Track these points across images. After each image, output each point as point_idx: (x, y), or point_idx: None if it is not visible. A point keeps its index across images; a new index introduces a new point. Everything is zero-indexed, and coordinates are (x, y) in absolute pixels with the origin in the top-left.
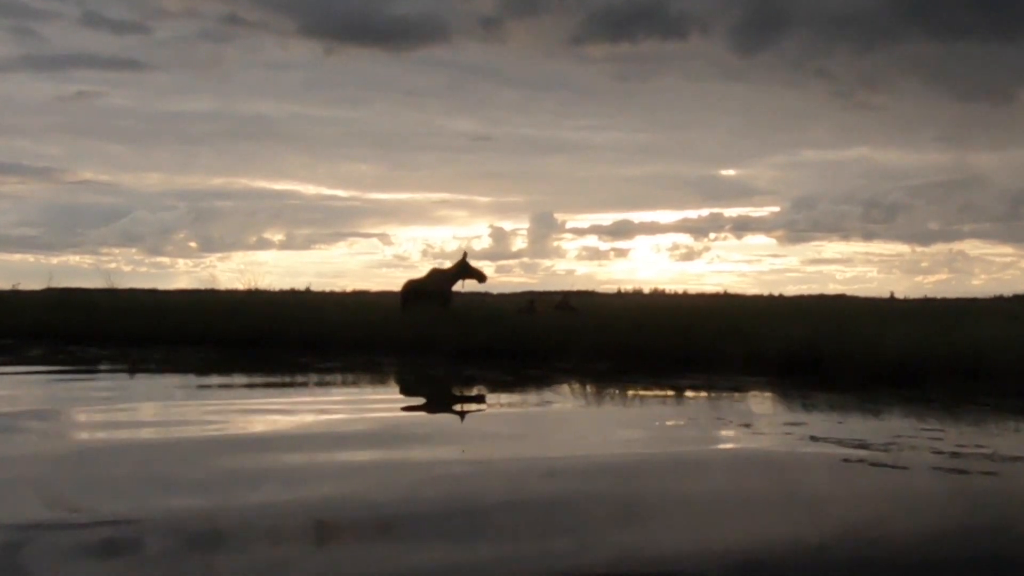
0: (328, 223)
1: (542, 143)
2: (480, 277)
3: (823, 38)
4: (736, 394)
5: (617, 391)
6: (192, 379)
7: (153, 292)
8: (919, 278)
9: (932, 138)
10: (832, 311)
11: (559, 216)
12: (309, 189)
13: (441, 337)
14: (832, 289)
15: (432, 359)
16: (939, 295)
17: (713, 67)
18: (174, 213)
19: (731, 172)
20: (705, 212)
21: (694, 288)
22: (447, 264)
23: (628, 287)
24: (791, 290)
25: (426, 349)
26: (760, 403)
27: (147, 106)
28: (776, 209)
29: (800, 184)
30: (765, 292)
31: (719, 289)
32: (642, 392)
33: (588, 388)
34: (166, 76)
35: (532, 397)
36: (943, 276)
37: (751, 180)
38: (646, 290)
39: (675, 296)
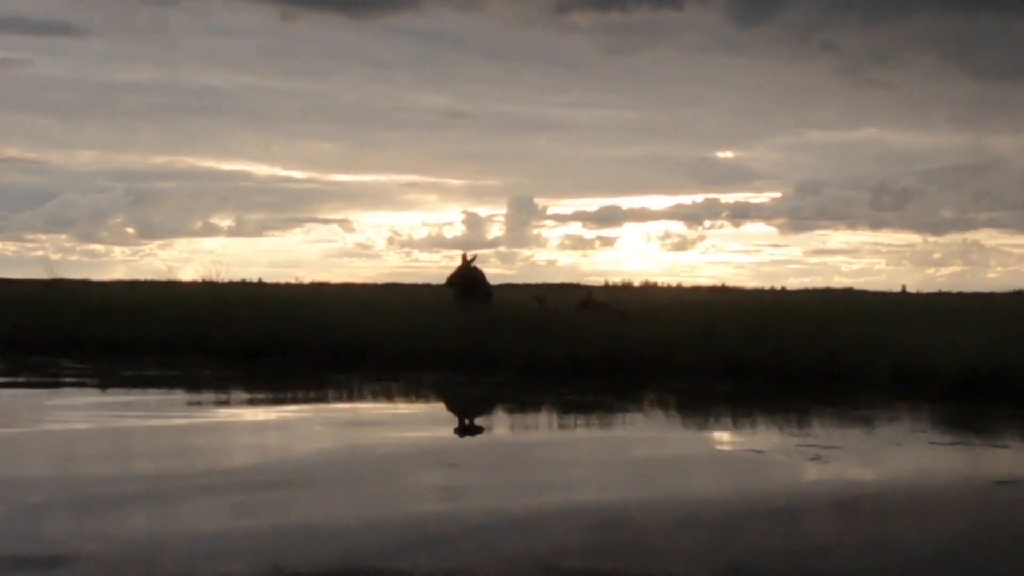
0: (283, 207)
1: (522, 121)
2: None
3: (830, 9)
4: (976, 431)
5: (815, 427)
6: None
7: (87, 283)
8: (931, 270)
9: (947, 119)
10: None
11: (540, 201)
12: (262, 170)
13: (504, 347)
14: (837, 282)
15: (503, 376)
16: (953, 289)
17: (711, 39)
18: (109, 195)
19: (729, 154)
20: (700, 198)
21: (688, 280)
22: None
23: (616, 279)
24: (793, 283)
25: (491, 363)
26: None
27: (80, 76)
28: (777, 195)
29: (804, 168)
30: (765, 285)
31: (715, 282)
32: (854, 427)
33: (770, 425)
34: (102, 42)
35: (732, 440)
36: (956, 268)
37: (750, 163)
38: (636, 283)
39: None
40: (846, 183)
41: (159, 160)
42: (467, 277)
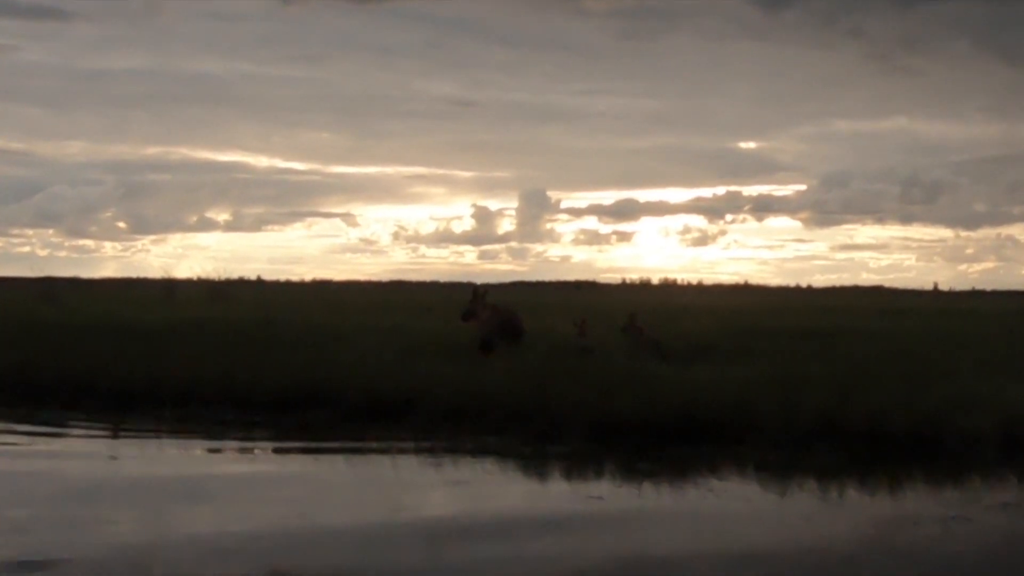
0: (283, 201)
1: (534, 110)
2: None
3: None
4: None
5: (948, 529)
6: None
7: (75, 280)
8: (963, 266)
9: (980, 108)
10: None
11: (553, 194)
12: (261, 161)
13: (567, 405)
14: (865, 279)
15: (568, 444)
16: (987, 286)
17: (732, 24)
18: (100, 188)
19: (751, 145)
20: (721, 190)
21: (708, 277)
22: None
23: (633, 276)
24: (819, 280)
25: (553, 425)
26: None
27: (69, 62)
28: (802, 187)
29: (830, 159)
30: (790, 282)
31: (737, 279)
32: (991, 523)
33: (899, 522)
34: (92, 27)
35: None
36: (990, 264)
37: (774, 154)
38: (654, 280)
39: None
40: (874, 175)
41: (152, 151)
42: (509, 326)
